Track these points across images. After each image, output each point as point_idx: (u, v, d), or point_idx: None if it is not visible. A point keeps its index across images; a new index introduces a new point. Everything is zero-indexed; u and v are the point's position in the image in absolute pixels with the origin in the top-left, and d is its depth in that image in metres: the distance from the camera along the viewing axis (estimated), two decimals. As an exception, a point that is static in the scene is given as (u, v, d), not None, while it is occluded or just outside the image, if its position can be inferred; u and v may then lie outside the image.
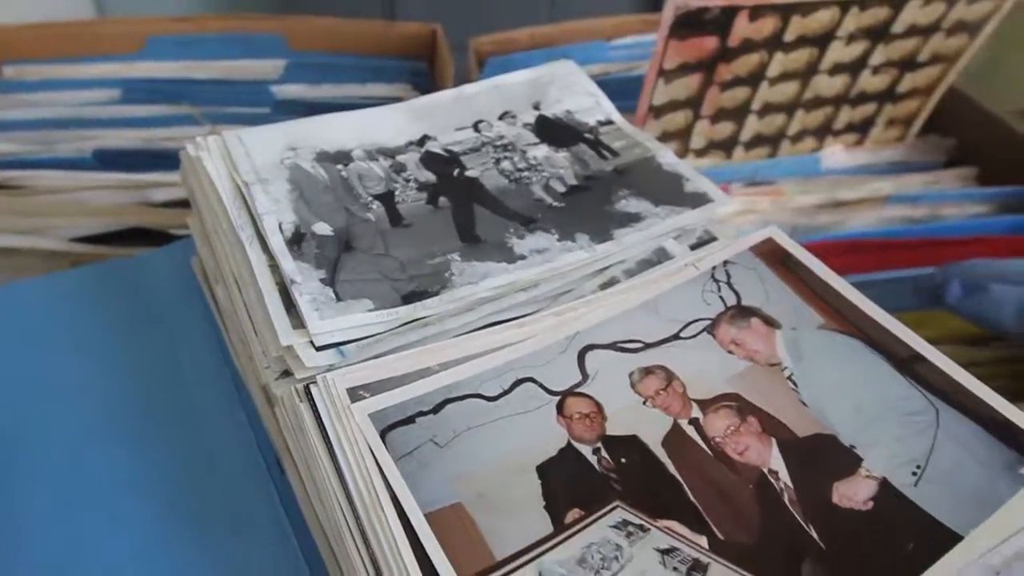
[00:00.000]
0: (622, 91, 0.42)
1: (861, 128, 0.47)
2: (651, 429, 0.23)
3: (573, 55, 0.52)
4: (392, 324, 0.24)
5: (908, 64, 0.44)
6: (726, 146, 0.45)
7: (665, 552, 0.20)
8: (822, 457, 0.22)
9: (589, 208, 0.29)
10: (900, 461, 0.22)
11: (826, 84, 0.43)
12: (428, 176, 0.30)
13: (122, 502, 0.23)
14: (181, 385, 0.27)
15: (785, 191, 0.44)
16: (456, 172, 0.31)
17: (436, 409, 0.22)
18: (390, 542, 0.19)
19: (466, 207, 0.29)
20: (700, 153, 0.44)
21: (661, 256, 0.29)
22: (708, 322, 0.26)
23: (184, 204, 0.39)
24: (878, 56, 0.42)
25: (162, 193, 0.40)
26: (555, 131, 0.34)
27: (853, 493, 0.22)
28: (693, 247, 0.30)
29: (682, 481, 0.22)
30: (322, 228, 0.27)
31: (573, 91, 0.36)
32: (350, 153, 0.31)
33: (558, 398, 0.23)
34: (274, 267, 0.25)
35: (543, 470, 0.21)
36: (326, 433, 0.21)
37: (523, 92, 0.35)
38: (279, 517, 0.23)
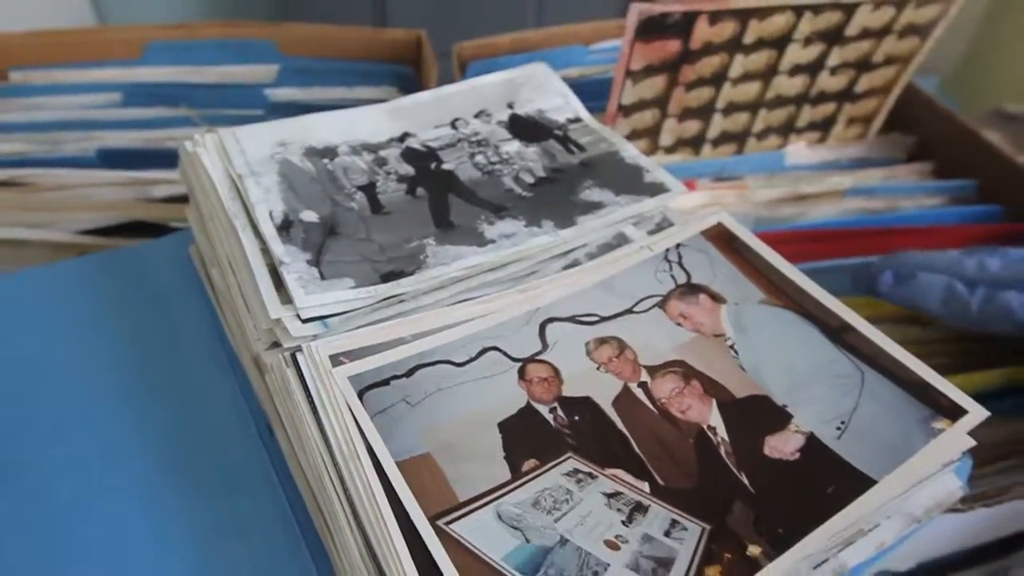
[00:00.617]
0: (600, 92, 0.44)
1: (823, 126, 0.50)
2: (603, 391, 0.25)
3: (553, 59, 0.54)
4: (371, 300, 0.27)
5: (863, 65, 0.47)
6: (694, 143, 0.47)
7: (610, 496, 0.22)
8: (756, 415, 0.25)
9: (555, 198, 0.32)
10: (826, 418, 0.25)
11: (786, 84, 0.46)
12: (407, 169, 0.33)
13: (127, 460, 0.26)
14: (180, 359, 0.30)
15: (750, 185, 0.46)
16: (433, 165, 0.33)
17: (409, 373, 0.25)
18: (365, 486, 0.22)
19: (442, 197, 0.32)
20: (669, 150, 0.47)
21: (621, 240, 0.31)
22: (659, 298, 0.28)
23: (181, 200, 0.42)
24: (834, 58, 0.45)
25: (161, 189, 0.42)
26: (527, 128, 0.36)
27: (782, 445, 0.24)
28: (652, 232, 0.32)
29: (629, 436, 0.24)
30: (309, 215, 0.30)
31: (545, 91, 0.38)
32: (336, 149, 0.33)
33: (520, 364, 0.26)
34: (265, 251, 0.28)
35: (504, 426, 0.24)
36: (310, 394, 0.24)
37: (498, 92, 0.38)
38: (268, 473, 0.26)
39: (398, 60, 0.54)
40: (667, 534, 0.22)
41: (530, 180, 0.33)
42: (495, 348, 0.26)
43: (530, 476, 0.23)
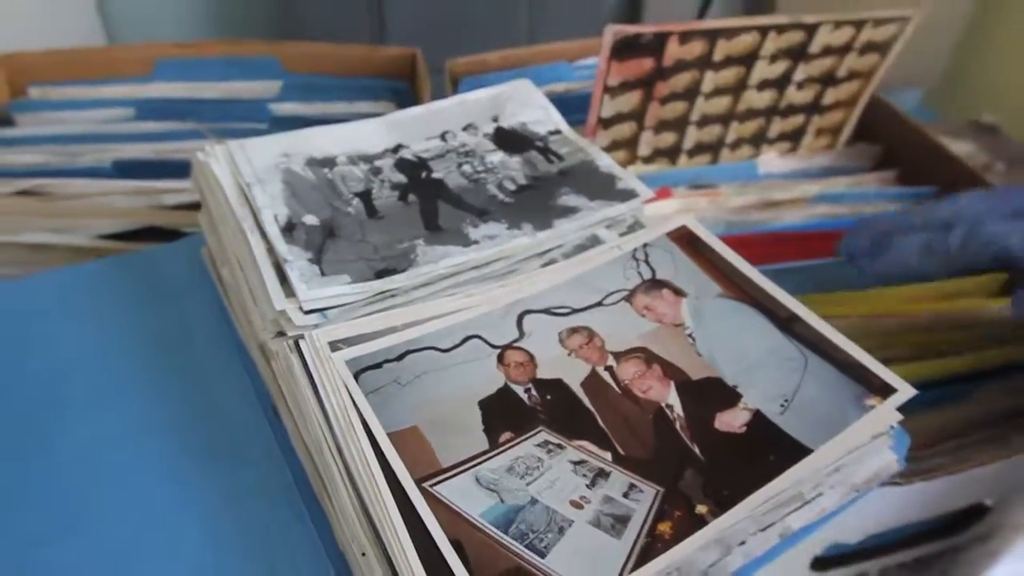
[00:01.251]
0: (584, 106, 0.48)
1: (793, 137, 0.53)
2: (573, 374, 0.28)
3: (540, 75, 0.58)
4: (366, 295, 0.30)
5: (828, 80, 0.50)
6: (671, 153, 0.50)
7: (576, 463, 0.25)
8: (709, 394, 0.28)
9: (534, 203, 0.35)
10: (771, 396, 0.28)
11: (756, 98, 0.49)
12: (400, 178, 0.36)
13: (146, 436, 0.29)
14: (192, 349, 0.33)
15: (723, 193, 0.50)
16: (424, 174, 0.37)
17: (399, 358, 0.28)
18: (360, 455, 0.25)
19: (431, 202, 0.35)
20: (647, 160, 0.50)
21: (594, 241, 0.34)
22: (626, 292, 0.32)
23: (190, 207, 0.45)
24: (800, 73, 0.48)
25: (173, 198, 0.45)
26: (510, 140, 0.39)
27: (731, 420, 0.27)
28: (622, 234, 0.35)
29: (595, 413, 0.27)
30: (310, 219, 0.33)
31: (528, 106, 0.42)
32: (335, 159, 0.36)
33: (499, 350, 0.29)
34: (271, 251, 0.31)
35: (484, 404, 0.27)
36: (311, 376, 0.27)
37: (484, 107, 0.41)
38: (273, 447, 0.29)
39: (395, 76, 0.57)
40: (625, 496, 0.25)
41: (512, 187, 0.36)
42: (477, 336, 0.29)
43: (506, 446, 0.26)
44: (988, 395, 0.37)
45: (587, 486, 0.25)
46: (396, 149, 0.38)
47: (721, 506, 0.25)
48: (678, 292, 0.32)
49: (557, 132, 0.40)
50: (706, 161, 0.52)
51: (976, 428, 0.37)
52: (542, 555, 0.23)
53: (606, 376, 0.28)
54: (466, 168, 0.37)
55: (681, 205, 0.48)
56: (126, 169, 0.48)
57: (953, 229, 0.35)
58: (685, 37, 0.43)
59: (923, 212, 0.37)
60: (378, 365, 0.27)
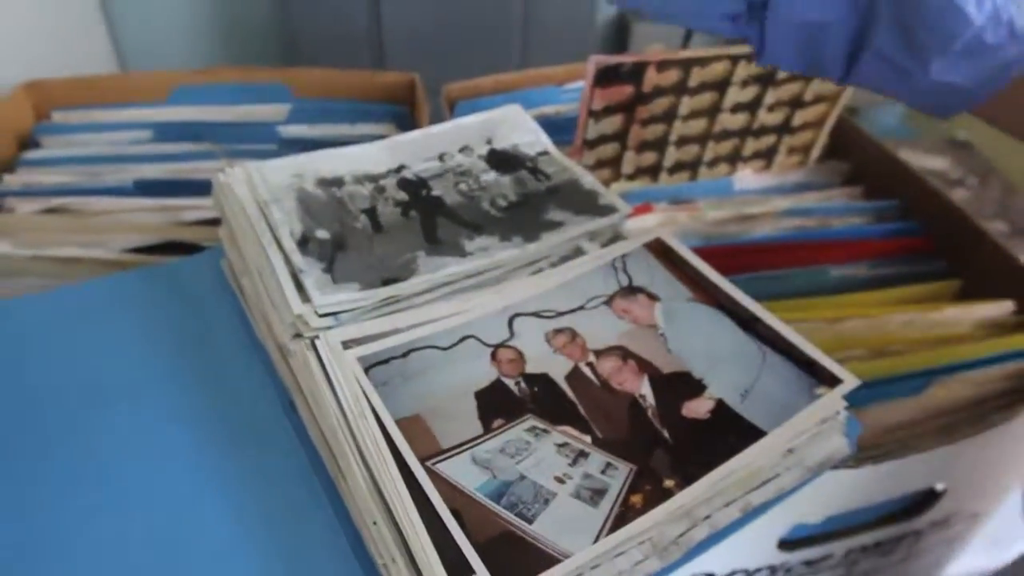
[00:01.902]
0: (572, 127, 0.51)
1: (766, 155, 0.57)
2: (558, 369, 0.32)
3: (531, 98, 0.62)
4: (373, 300, 0.33)
5: (796, 103, 0.54)
6: (652, 171, 0.54)
7: (560, 445, 0.29)
8: (678, 386, 0.32)
9: (524, 218, 0.39)
10: (733, 387, 0.31)
11: (730, 120, 0.53)
12: (403, 195, 0.40)
13: (174, 430, 0.32)
14: (215, 350, 0.36)
15: (701, 207, 0.53)
16: (424, 192, 0.40)
17: (404, 355, 0.31)
18: (372, 438, 0.28)
19: (431, 218, 0.39)
20: (630, 178, 0.54)
21: (577, 252, 0.38)
22: (606, 297, 0.35)
23: (208, 223, 0.49)
24: (770, 97, 0.52)
25: (191, 214, 0.49)
26: (502, 160, 0.43)
27: (697, 408, 0.31)
28: (604, 245, 0.39)
29: (577, 402, 0.31)
30: (322, 234, 0.36)
31: (518, 129, 0.45)
32: (343, 179, 0.40)
33: (492, 349, 0.32)
34: (287, 262, 0.34)
35: (479, 395, 0.30)
36: (327, 371, 0.30)
37: (478, 130, 0.45)
38: (291, 436, 0.32)
39: (395, 100, 0.61)
40: (602, 472, 0.28)
41: (504, 204, 0.40)
42: (473, 336, 0.33)
43: (498, 431, 0.29)
44: (939, 390, 0.41)
45: (569, 464, 0.28)
46: (398, 169, 0.41)
47: (687, 481, 0.28)
48: (652, 297, 0.35)
49: (545, 153, 0.44)
50: (685, 178, 0.56)
51: (927, 419, 0.40)
52: (529, 522, 0.26)
53: (587, 371, 0.32)
54: (462, 187, 0.41)
55: (662, 219, 0.51)
56: (146, 188, 0.51)
57: None
58: (662, 66, 0.47)
59: None
60: (385, 361, 0.31)
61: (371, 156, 0.42)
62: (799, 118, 0.55)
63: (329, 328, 0.32)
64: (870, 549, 0.44)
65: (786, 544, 0.40)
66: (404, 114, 0.60)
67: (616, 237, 0.40)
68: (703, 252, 0.47)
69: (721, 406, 0.31)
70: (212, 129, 0.57)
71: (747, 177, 0.57)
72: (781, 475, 0.31)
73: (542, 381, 0.31)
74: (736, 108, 0.52)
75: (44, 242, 0.46)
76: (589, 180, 0.42)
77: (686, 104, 0.50)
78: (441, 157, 0.43)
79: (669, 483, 0.28)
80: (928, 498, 0.43)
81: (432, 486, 0.27)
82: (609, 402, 0.31)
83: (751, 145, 0.56)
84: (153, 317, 0.38)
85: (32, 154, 0.55)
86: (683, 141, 0.53)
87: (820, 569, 0.45)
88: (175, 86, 0.60)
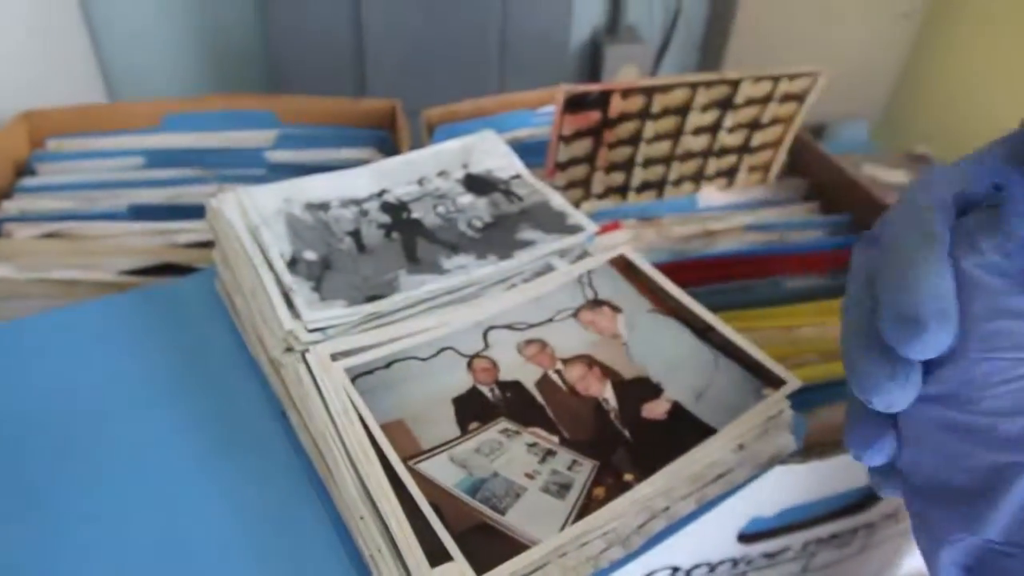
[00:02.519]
0: (544, 150, 0.55)
1: (728, 174, 0.61)
2: (529, 376, 0.35)
3: (506, 122, 0.65)
4: (358, 316, 0.36)
5: (754, 125, 0.57)
6: (620, 191, 0.58)
7: (530, 445, 0.32)
8: (638, 390, 0.35)
9: (498, 238, 0.42)
10: (688, 390, 0.34)
11: (692, 142, 0.56)
12: (385, 218, 0.43)
13: (174, 440, 0.35)
14: (210, 366, 0.39)
15: (667, 224, 0.57)
16: (405, 215, 0.43)
17: (387, 365, 0.34)
18: (359, 440, 0.31)
19: (411, 239, 0.42)
20: (600, 197, 0.57)
21: (548, 268, 0.41)
22: (573, 309, 0.38)
23: (201, 245, 0.52)
24: (729, 120, 0.56)
25: (184, 237, 0.51)
26: (478, 184, 0.46)
27: (655, 409, 0.34)
28: (572, 261, 0.42)
29: (545, 406, 0.34)
30: (310, 255, 0.39)
31: (493, 154, 0.49)
32: (329, 203, 0.43)
33: (468, 359, 0.35)
34: (278, 281, 0.37)
35: (456, 401, 0.33)
36: (316, 381, 0.33)
37: (455, 155, 0.48)
38: (283, 442, 0.35)
39: (377, 125, 0.64)
40: (568, 468, 0.31)
41: (479, 225, 0.43)
42: (450, 348, 0.36)
43: (473, 433, 0.32)
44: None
45: (538, 462, 0.31)
46: (381, 194, 0.44)
47: (645, 474, 0.31)
48: (616, 309, 0.38)
49: (518, 176, 0.47)
50: (652, 197, 0.59)
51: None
52: (502, 514, 0.29)
53: (555, 378, 0.35)
54: (440, 209, 0.44)
55: (630, 236, 0.55)
56: (140, 212, 0.54)
57: None
58: (626, 93, 0.50)
59: None
60: (370, 371, 0.34)
61: (355, 181, 0.45)
62: (758, 139, 0.59)
63: (318, 342, 0.35)
64: (826, 541, 0.48)
65: (745, 537, 0.43)
66: (386, 138, 0.63)
67: (584, 254, 0.43)
68: (669, 266, 0.51)
69: (677, 407, 0.34)
70: (202, 155, 0.59)
71: (711, 195, 0.61)
72: (734, 470, 0.34)
73: (514, 388, 0.34)
74: (697, 131, 0.56)
75: (44, 266, 0.48)
76: (558, 201, 0.45)
77: (650, 128, 0.54)
78: (420, 181, 0.46)
79: (629, 477, 0.31)
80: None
81: (414, 483, 0.30)
82: (575, 405, 0.34)
83: (713, 165, 0.59)
84: (151, 334, 0.41)
85: (29, 181, 0.57)
86: (649, 162, 0.56)
87: (780, 562, 0.48)
88: (165, 114, 0.62)
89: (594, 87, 0.49)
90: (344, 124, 0.64)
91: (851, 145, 1.34)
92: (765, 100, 0.56)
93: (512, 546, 0.28)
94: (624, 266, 0.41)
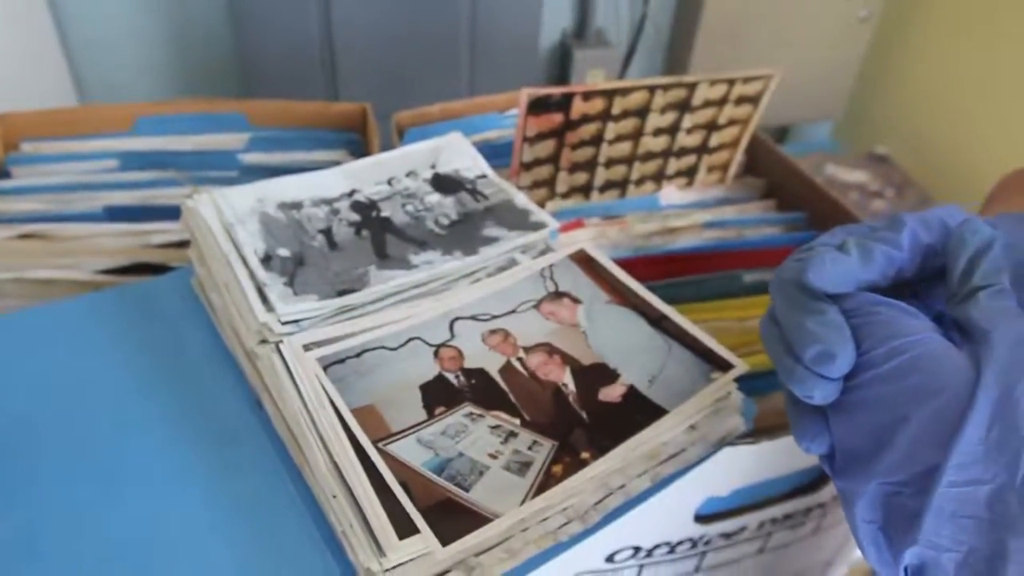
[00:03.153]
0: (511, 151, 0.57)
1: (688, 173, 0.63)
2: (492, 364, 0.37)
3: (475, 124, 0.67)
4: (330, 309, 0.38)
5: (712, 126, 0.60)
6: (584, 190, 0.60)
7: (493, 427, 0.34)
8: (596, 375, 0.37)
9: (464, 234, 0.44)
10: (642, 374, 0.37)
11: (652, 143, 0.59)
12: (355, 217, 0.45)
13: (153, 430, 0.36)
14: (187, 359, 0.40)
15: (629, 222, 0.59)
16: (374, 213, 0.45)
17: (358, 355, 0.36)
18: (330, 425, 0.33)
19: (380, 236, 0.43)
20: (565, 196, 0.59)
21: (511, 263, 0.43)
22: (535, 301, 0.40)
23: (175, 246, 0.53)
24: (687, 121, 0.58)
25: (158, 237, 0.53)
26: (445, 183, 0.48)
27: (611, 393, 0.36)
28: (535, 257, 0.44)
29: (508, 391, 0.36)
30: (283, 252, 0.41)
31: (459, 155, 0.51)
32: (301, 203, 0.45)
33: (435, 348, 0.37)
34: (252, 277, 0.39)
35: (423, 387, 0.35)
36: (290, 370, 0.35)
37: (424, 156, 0.50)
38: (258, 431, 0.36)
39: (348, 128, 0.65)
40: (529, 448, 0.33)
41: (446, 222, 0.45)
42: (418, 338, 0.37)
43: (440, 417, 0.34)
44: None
45: (501, 443, 0.33)
46: (351, 193, 0.46)
47: (601, 453, 0.33)
48: (575, 300, 0.41)
49: (483, 176, 0.49)
50: (615, 196, 0.62)
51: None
52: (466, 490, 0.31)
53: (518, 365, 0.37)
54: (409, 208, 0.46)
55: (594, 233, 0.57)
56: (115, 214, 0.55)
57: None
58: (587, 96, 0.53)
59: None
60: (341, 360, 0.35)
61: (326, 181, 0.46)
62: (715, 139, 0.61)
63: (291, 334, 0.36)
64: (780, 522, 0.50)
65: (702, 518, 0.46)
66: (356, 141, 0.64)
67: (546, 249, 0.45)
68: (631, 262, 0.53)
69: (632, 391, 0.36)
70: (175, 157, 0.60)
71: (672, 194, 0.63)
72: (687, 449, 0.37)
73: (478, 374, 0.36)
74: (657, 132, 0.58)
75: (21, 266, 0.49)
76: (522, 199, 0.47)
77: (611, 129, 0.56)
78: (390, 181, 0.48)
79: (585, 455, 0.33)
80: (824, 473, 0.48)
81: (383, 463, 0.31)
82: (536, 390, 0.36)
83: (674, 165, 0.62)
84: (129, 331, 0.42)
85: (3, 183, 0.58)
86: (611, 162, 0.59)
87: (737, 542, 0.50)
88: (138, 117, 0.64)
89: (556, 90, 0.51)
90: (315, 127, 0.65)
91: (815, 146, 1.38)
92: (721, 102, 0.58)
93: (476, 520, 0.30)
94: (584, 260, 0.43)
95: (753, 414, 0.39)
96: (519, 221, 0.45)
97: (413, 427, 0.33)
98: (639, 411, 0.35)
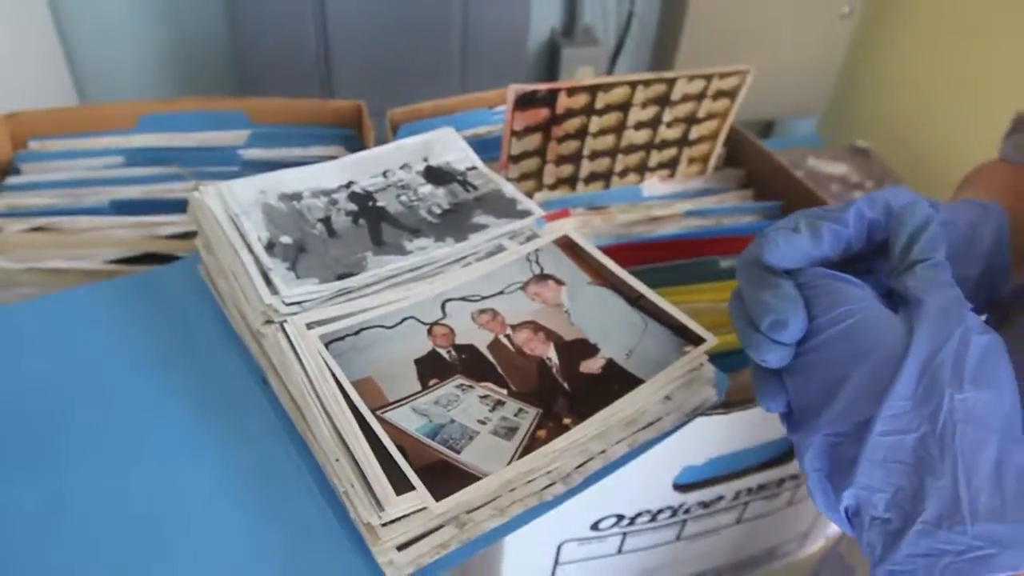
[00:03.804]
0: (500, 145, 0.60)
1: (670, 165, 0.66)
2: (482, 340, 0.40)
3: (466, 120, 0.70)
4: (330, 291, 0.41)
5: (691, 120, 0.63)
6: (570, 181, 0.63)
7: (482, 397, 0.37)
8: (577, 349, 0.40)
9: (455, 222, 0.47)
10: (620, 348, 0.40)
11: (635, 136, 0.62)
12: (352, 207, 0.47)
13: (167, 406, 0.39)
14: (196, 343, 0.43)
15: (613, 212, 0.62)
16: (370, 203, 0.48)
17: (357, 332, 0.39)
18: (333, 395, 0.35)
19: (376, 224, 0.46)
20: (551, 187, 0.62)
21: (499, 248, 0.46)
22: (522, 283, 0.43)
23: (181, 237, 0.55)
24: (667, 115, 0.61)
25: (165, 229, 0.55)
26: (437, 175, 0.51)
27: (591, 365, 0.39)
28: (521, 243, 0.47)
29: (496, 365, 0.39)
30: (286, 239, 0.44)
31: (451, 148, 0.53)
32: (301, 194, 0.47)
33: (428, 326, 0.40)
34: (257, 262, 0.42)
35: (417, 361, 0.38)
36: (294, 347, 0.37)
37: (417, 150, 0.53)
38: (264, 406, 0.39)
39: (343, 124, 0.68)
40: (515, 415, 0.36)
41: (438, 211, 0.48)
42: (412, 317, 0.40)
43: (433, 388, 0.37)
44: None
45: (489, 411, 0.36)
46: (348, 185, 0.49)
47: (582, 419, 0.36)
48: (559, 282, 0.44)
49: (474, 168, 0.52)
50: (599, 187, 0.64)
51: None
52: (457, 453, 0.34)
53: (505, 341, 0.40)
54: (403, 198, 0.49)
55: (579, 223, 0.60)
56: (122, 207, 0.58)
57: None
58: (571, 92, 0.55)
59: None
60: (341, 338, 0.38)
61: (325, 174, 0.49)
62: (695, 132, 0.64)
63: (295, 314, 0.39)
64: (756, 492, 0.53)
65: (680, 487, 0.49)
66: (352, 136, 0.67)
67: (532, 236, 0.48)
68: (614, 249, 0.56)
69: (610, 363, 0.39)
70: (179, 153, 0.63)
71: (654, 185, 0.66)
72: (662, 418, 0.40)
73: (469, 350, 0.39)
74: (639, 125, 0.61)
75: (34, 257, 0.52)
76: (510, 189, 0.50)
77: (595, 123, 0.59)
78: (385, 173, 0.50)
79: (567, 421, 0.36)
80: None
81: (381, 429, 0.34)
82: (522, 364, 0.39)
83: (656, 157, 0.65)
84: (140, 315, 0.45)
85: (14, 180, 0.61)
86: (595, 155, 0.62)
87: (715, 511, 0.53)
88: (142, 115, 0.66)
89: (542, 86, 0.54)
90: (312, 123, 0.68)
91: (799, 140, 1.41)
92: (700, 97, 0.61)
93: (467, 478, 0.33)
94: (567, 245, 0.46)
95: (726, 387, 0.42)
96: (507, 209, 0.48)
97: (408, 397, 0.36)
98: (617, 381, 0.38)
